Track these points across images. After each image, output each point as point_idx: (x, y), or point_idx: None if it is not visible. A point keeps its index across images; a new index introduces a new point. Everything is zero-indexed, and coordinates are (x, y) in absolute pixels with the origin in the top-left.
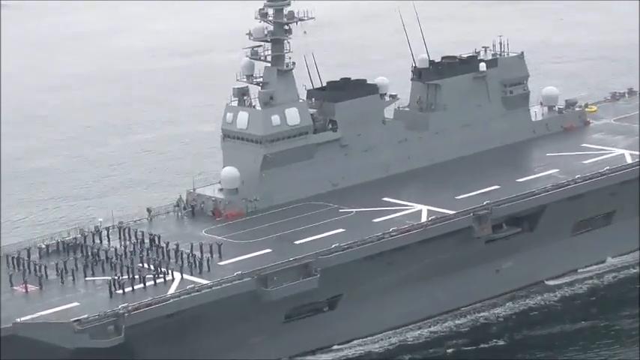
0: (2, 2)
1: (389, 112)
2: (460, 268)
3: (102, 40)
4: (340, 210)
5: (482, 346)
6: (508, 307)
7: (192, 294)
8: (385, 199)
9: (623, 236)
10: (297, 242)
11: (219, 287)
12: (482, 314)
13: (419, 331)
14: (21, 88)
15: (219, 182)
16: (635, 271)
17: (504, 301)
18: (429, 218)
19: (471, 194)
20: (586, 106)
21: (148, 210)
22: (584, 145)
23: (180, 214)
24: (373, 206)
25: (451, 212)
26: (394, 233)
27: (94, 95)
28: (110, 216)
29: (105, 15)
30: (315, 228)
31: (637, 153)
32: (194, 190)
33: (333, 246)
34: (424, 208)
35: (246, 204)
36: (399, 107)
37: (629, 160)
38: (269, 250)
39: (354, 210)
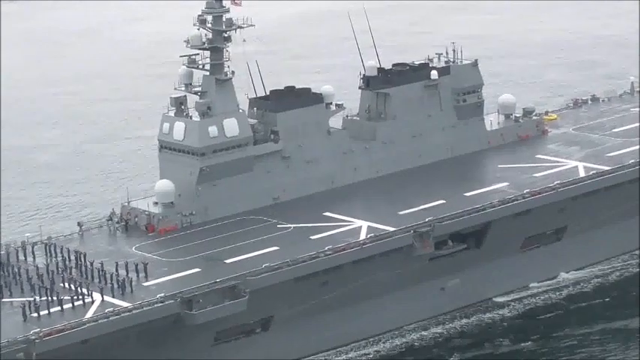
0: (2, 2)
1: (338, 122)
2: (402, 286)
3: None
4: (278, 225)
5: None
6: (452, 326)
7: (111, 318)
8: (326, 213)
9: (576, 251)
10: (227, 261)
11: (139, 311)
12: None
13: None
14: None
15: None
16: (588, 286)
17: (450, 319)
18: (368, 236)
19: (414, 209)
20: (546, 113)
21: (79, 224)
22: (538, 156)
23: (112, 228)
24: (313, 222)
25: (392, 229)
26: (329, 252)
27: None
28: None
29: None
30: (248, 245)
31: (591, 165)
32: (128, 203)
33: (264, 266)
34: (364, 225)
35: (181, 218)
36: (347, 116)
37: (581, 174)
38: (198, 270)
39: (292, 226)
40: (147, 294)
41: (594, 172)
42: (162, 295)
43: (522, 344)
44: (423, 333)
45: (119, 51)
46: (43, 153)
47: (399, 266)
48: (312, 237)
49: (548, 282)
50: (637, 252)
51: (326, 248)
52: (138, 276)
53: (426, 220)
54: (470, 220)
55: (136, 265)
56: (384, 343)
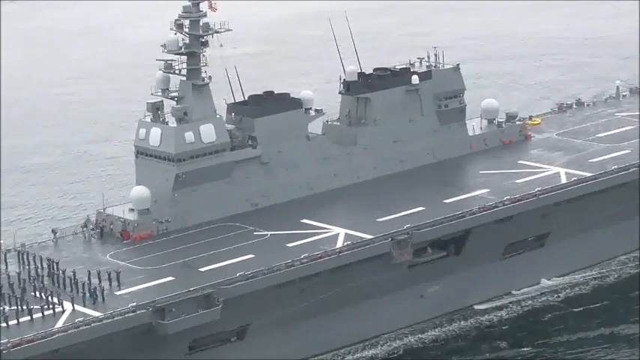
0: (2, 2)
1: (318, 127)
2: (380, 294)
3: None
4: (255, 233)
5: None
6: (433, 334)
7: (81, 328)
8: (304, 220)
9: (558, 258)
10: (202, 269)
11: (110, 320)
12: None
13: None
14: None
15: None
16: (572, 292)
17: (430, 326)
18: (345, 244)
19: (393, 216)
20: (530, 118)
21: (53, 231)
22: (520, 161)
23: (87, 235)
24: (290, 229)
25: (369, 237)
26: (305, 260)
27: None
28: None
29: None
30: (224, 253)
31: (573, 171)
32: (104, 209)
33: (238, 275)
34: (342, 232)
35: (156, 225)
36: (327, 121)
37: (563, 180)
38: (171, 278)
39: (269, 233)
40: (119, 303)
41: (576, 178)
42: (134, 304)
43: (502, 353)
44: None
45: (119, 51)
46: (35, 155)
47: (377, 274)
48: (289, 244)
49: (530, 289)
50: (622, 257)
51: (302, 256)
52: (110, 284)
53: (404, 227)
54: (449, 227)
55: (109, 274)
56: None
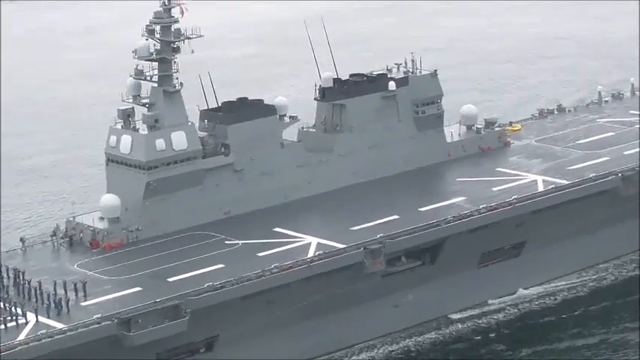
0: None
1: (294, 134)
2: (353, 303)
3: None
4: (226, 242)
5: None
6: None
7: (43, 340)
8: (277, 229)
9: (535, 267)
10: (170, 279)
11: (74, 332)
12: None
13: None
14: None
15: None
16: (548, 301)
17: (404, 337)
18: (316, 253)
19: (367, 225)
20: (510, 124)
21: (22, 240)
22: (498, 169)
23: (56, 244)
24: (262, 238)
25: (342, 246)
26: (275, 271)
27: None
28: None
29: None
30: (194, 263)
31: (550, 179)
32: (74, 218)
33: (206, 285)
34: (314, 241)
35: (127, 234)
36: (302, 128)
37: (540, 188)
38: (139, 289)
39: (240, 242)
40: (84, 314)
41: (553, 186)
42: (99, 315)
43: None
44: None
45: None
46: (26, 158)
47: (350, 283)
48: (260, 254)
49: (507, 298)
50: (602, 265)
51: (272, 266)
52: (76, 295)
53: (378, 236)
54: (422, 237)
55: (75, 284)
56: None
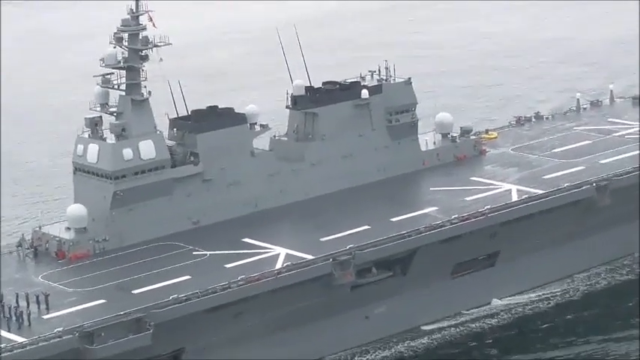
0: (2, 2)
1: (266, 143)
2: (323, 315)
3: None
4: (194, 252)
5: None
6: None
7: (3, 355)
8: (245, 239)
9: (510, 277)
10: (135, 292)
11: (34, 346)
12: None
13: None
14: None
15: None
16: (524, 310)
17: (375, 348)
18: (284, 265)
19: (337, 235)
20: (486, 132)
21: None
22: (472, 178)
23: (22, 255)
24: (230, 248)
25: (310, 257)
26: (241, 282)
27: None
28: None
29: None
30: (160, 274)
31: (525, 189)
32: (40, 228)
33: (171, 297)
34: (283, 252)
35: (93, 244)
36: (274, 136)
37: (514, 198)
38: (103, 301)
39: (208, 253)
40: (46, 328)
41: (527, 196)
42: (61, 329)
43: None
44: None
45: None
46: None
47: (319, 295)
48: (228, 265)
49: (481, 308)
50: (577, 275)
51: (239, 278)
52: (39, 308)
53: (347, 247)
54: (393, 247)
55: (37, 297)
56: None
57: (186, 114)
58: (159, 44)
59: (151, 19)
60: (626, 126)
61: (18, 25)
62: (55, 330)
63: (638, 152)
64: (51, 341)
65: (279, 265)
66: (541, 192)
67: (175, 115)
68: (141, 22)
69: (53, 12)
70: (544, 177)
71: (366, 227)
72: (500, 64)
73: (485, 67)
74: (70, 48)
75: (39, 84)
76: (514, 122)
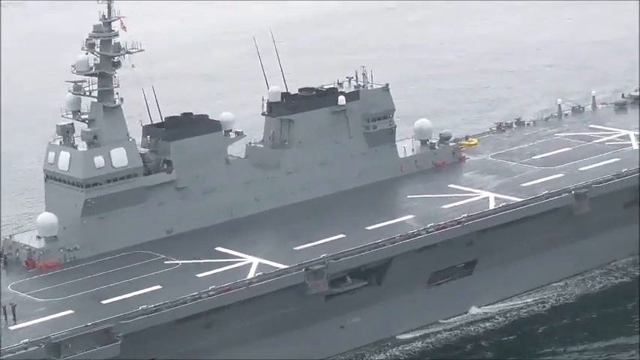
0: (2, 2)
1: (241, 150)
2: (296, 325)
3: None
4: (166, 262)
5: None
6: None
7: None
8: (219, 248)
9: (488, 285)
10: (104, 302)
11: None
12: None
13: None
14: None
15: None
16: (502, 319)
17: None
18: (256, 274)
19: (312, 244)
20: (466, 138)
21: None
22: (450, 185)
23: None
24: (202, 257)
25: (283, 266)
26: (212, 293)
27: None
28: None
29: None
30: (131, 284)
31: (502, 197)
32: (10, 236)
33: (140, 308)
34: (255, 261)
35: (64, 253)
36: (250, 143)
37: (491, 206)
38: (71, 312)
39: (180, 262)
40: (11, 339)
41: (504, 204)
42: (27, 340)
43: None
44: None
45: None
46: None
47: (292, 305)
48: (199, 275)
49: (458, 317)
50: (555, 284)
51: (209, 288)
52: (5, 318)
53: (321, 257)
54: (367, 257)
55: (4, 307)
56: None
57: (160, 121)
58: (131, 51)
59: (122, 25)
60: (607, 132)
61: (18, 25)
62: (22, 341)
63: (618, 159)
64: (17, 353)
65: (251, 275)
66: (519, 200)
67: (149, 122)
68: (113, 29)
69: (53, 12)
70: (522, 185)
71: (341, 236)
72: (488, 66)
73: (473, 71)
74: (70, 48)
75: (39, 84)
76: (495, 128)
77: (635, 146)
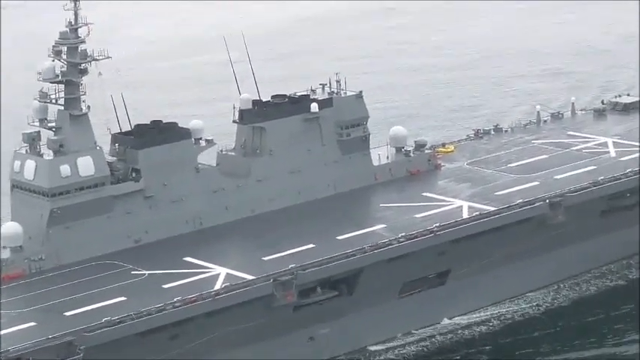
0: (2, 2)
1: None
2: (265, 337)
3: None
4: (132, 272)
5: None
6: None
7: None
8: (187, 258)
9: (460, 296)
10: (67, 314)
11: None
12: None
13: None
14: None
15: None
16: (475, 329)
17: None
18: (223, 285)
19: (281, 254)
20: (443, 145)
21: None
22: (424, 194)
23: None
24: (170, 268)
25: (251, 277)
26: (178, 304)
27: None
28: None
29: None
30: (95, 295)
31: (476, 205)
32: None
33: (104, 320)
34: (223, 272)
35: (29, 264)
36: (222, 151)
37: (465, 215)
38: (33, 324)
39: (146, 272)
40: None
41: (477, 213)
42: None
43: None
44: None
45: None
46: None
47: (260, 316)
48: (166, 286)
49: (431, 327)
50: (529, 294)
51: (175, 300)
52: None
53: (289, 267)
54: (336, 267)
55: None
56: None
57: (129, 129)
58: (98, 58)
59: (88, 32)
60: (585, 140)
61: (18, 25)
62: None
63: (594, 167)
64: None
65: (218, 286)
66: (492, 209)
67: (118, 130)
68: (80, 35)
69: (53, 12)
70: (497, 193)
71: (311, 246)
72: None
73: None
74: None
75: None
76: (472, 135)
77: (613, 154)
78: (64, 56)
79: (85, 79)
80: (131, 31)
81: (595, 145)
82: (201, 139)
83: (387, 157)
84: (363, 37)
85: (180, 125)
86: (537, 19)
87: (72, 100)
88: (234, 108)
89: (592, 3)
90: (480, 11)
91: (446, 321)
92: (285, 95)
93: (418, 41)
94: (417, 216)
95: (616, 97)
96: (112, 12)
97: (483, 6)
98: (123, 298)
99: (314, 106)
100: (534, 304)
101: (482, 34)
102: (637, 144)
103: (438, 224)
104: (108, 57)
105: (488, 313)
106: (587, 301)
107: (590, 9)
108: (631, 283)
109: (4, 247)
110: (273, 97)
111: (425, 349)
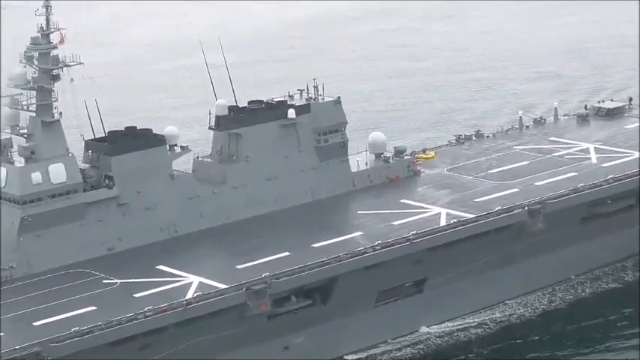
0: (2, 2)
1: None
2: (238, 346)
3: None
4: (104, 281)
5: None
6: None
7: None
8: (160, 267)
9: (437, 304)
10: (36, 323)
11: None
12: None
13: None
14: None
15: None
16: (452, 338)
17: None
18: (195, 294)
19: (255, 262)
20: (423, 151)
21: None
22: (403, 201)
23: None
24: (143, 276)
25: (224, 286)
26: (148, 314)
27: None
28: None
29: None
30: (64, 304)
31: (454, 212)
32: None
33: (72, 330)
34: (196, 280)
35: None
36: (197, 157)
37: (443, 222)
38: (1, 334)
39: (118, 281)
40: None
41: (455, 220)
42: None
43: None
44: None
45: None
46: None
47: (233, 326)
48: (137, 295)
49: (408, 336)
50: (509, 302)
51: (145, 309)
52: None
53: (263, 276)
54: (310, 276)
55: None
56: None
57: (103, 135)
58: (70, 64)
59: (62, 39)
60: (566, 146)
61: (18, 25)
62: None
63: (575, 174)
64: None
65: (189, 295)
66: (471, 216)
67: (92, 137)
68: (52, 40)
69: (53, 12)
70: (476, 200)
71: (286, 254)
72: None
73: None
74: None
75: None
76: (454, 141)
77: (594, 160)
78: (36, 62)
79: (57, 85)
80: (131, 31)
81: (576, 151)
82: (176, 145)
83: (366, 164)
84: (362, 39)
85: (155, 132)
86: (538, 20)
87: (44, 107)
88: (209, 114)
89: (593, 3)
90: (482, 11)
91: (424, 329)
92: (261, 101)
93: (418, 43)
94: (395, 223)
95: (599, 102)
96: (112, 12)
97: (484, 6)
98: (93, 308)
99: (291, 112)
100: (512, 312)
101: (482, 34)
102: (618, 150)
103: (414, 232)
104: (80, 63)
105: (467, 321)
106: (580, 305)
107: (590, 9)
108: (627, 286)
109: None
110: (249, 102)
111: (404, 358)
